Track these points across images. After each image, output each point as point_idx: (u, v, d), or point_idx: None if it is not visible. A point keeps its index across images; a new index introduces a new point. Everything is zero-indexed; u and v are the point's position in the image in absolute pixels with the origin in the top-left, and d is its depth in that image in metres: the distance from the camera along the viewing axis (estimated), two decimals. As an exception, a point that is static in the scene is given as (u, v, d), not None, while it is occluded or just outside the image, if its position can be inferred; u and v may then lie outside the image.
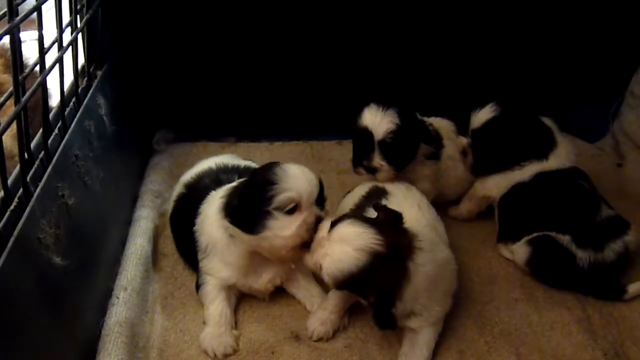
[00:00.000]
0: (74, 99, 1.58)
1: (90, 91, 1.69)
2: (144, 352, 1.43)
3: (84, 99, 1.63)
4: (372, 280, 1.25)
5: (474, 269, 1.72)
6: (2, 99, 1.06)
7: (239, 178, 1.59)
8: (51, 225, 1.21)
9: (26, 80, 1.17)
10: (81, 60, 1.70)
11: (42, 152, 1.31)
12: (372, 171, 1.66)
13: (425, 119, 1.83)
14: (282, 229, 1.36)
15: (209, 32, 2.13)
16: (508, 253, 1.75)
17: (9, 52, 1.10)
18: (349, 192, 1.77)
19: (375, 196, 1.61)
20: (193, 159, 2.12)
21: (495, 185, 1.76)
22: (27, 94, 1.16)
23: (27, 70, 1.18)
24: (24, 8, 1.16)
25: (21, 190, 1.15)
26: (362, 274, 1.24)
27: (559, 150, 1.70)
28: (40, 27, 1.26)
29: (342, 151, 2.24)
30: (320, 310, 1.49)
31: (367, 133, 1.62)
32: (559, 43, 2.21)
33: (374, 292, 1.28)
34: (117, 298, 1.48)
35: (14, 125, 1.13)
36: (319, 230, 1.35)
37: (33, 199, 1.17)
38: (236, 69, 2.22)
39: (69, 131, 1.46)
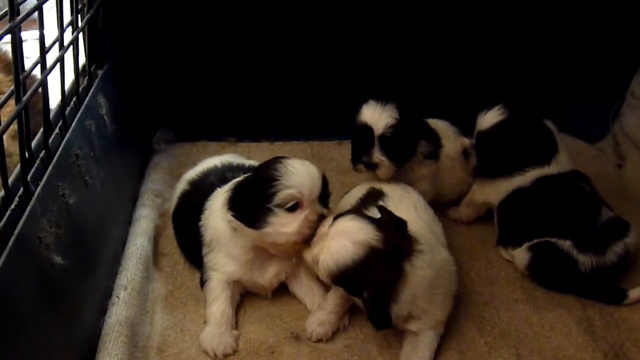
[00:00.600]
0: (74, 98, 1.58)
1: (91, 90, 1.69)
2: (144, 351, 1.43)
3: (85, 99, 1.63)
4: (366, 276, 1.26)
5: (474, 270, 1.72)
6: (3, 98, 1.06)
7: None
8: (51, 224, 1.21)
9: (26, 80, 1.17)
10: (82, 59, 1.70)
11: (43, 152, 1.30)
12: (372, 167, 1.64)
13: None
14: (284, 226, 1.37)
15: (210, 32, 2.14)
16: (508, 256, 1.75)
17: (7, 54, 1.10)
18: (347, 193, 1.77)
19: (372, 198, 1.61)
20: (193, 158, 2.13)
21: (495, 191, 1.75)
22: (28, 93, 1.16)
23: (27, 70, 1.18)
24: (25, 7, 1.16)
25: (22, 189, 1.15)
26: (357, 268, 1.25)
27: (560, 155, 1.69)
28: (41, 27, 1.26)
29: (342, 151, 2.24)
30: (319, 311, 1.49)
31: (366, 128, 1.62)
32: (560, 43, 2.21)
33: (368, 288, 1.27)
34: (117, 297, 1.48)
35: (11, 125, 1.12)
36: (322, 225, 1.35)
37: (34, 198, 1.17)
38: (236, 68, 2.22)
39: (70, 130, 1.46)
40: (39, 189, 1.21)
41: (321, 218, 1.38)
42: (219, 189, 1.56)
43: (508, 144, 1.67)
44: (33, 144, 1.27)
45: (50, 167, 1.29)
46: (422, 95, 2.00)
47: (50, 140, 1.35)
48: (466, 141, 1.76)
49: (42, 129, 1.34)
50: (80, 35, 1.60)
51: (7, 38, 1.07)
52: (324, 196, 1.42)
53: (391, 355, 1.44)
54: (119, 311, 1.44)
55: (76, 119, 1.52)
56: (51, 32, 1.35)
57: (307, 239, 1.37)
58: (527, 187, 1.68)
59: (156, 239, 1.78)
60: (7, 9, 1.05)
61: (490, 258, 1.78)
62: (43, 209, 1.19)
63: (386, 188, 1.64)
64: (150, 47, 2.14)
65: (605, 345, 1.48)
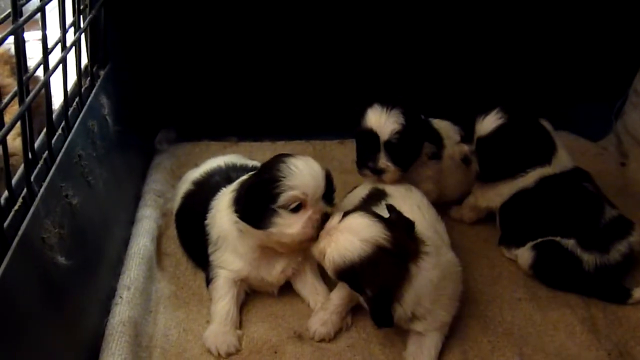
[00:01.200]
0: (77, 99, 1.58)
1: (93, 91, 1.69)
2: (147, 351, 1.43)
3: (87, 99, 1.63)
4: (371, 274, 1.26)
5: (476, 269, 1.72)
6: (7, 99, 1.07)
7: None
8: (55, 225, 1.21)
9: (29, 81, 1.17)
10: (84, 60, 1.70)
11: (46, 152, 1.31)
12: (378, 172, 1.64)
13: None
14: (288, 227, 1.38)
15: (211, 32, 2.14)
16: (511, 255, 1.75)
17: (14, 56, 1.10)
18: (349, 192, 1.77)
19: (375, 198, 1.61)
20: (195, 158, 2.13)
21: (497, 194, 1.74)
22: (31, 94, 1.16)
23: (30, 71, 1.18)
24: (28, 9, 1.16)
25: (25, 190, 1.16)
26: (362, 265, 1.25)
27: (559, 153, 1.69)
28: (43, 28, 1.27)
29: (344, 150, 2.24)
30: (322, 311, 1.49)
31: (372, 134, 1.61)
32: (562, 42, 2.21)
33: (372, 286, 1.27)
34: (121, 297, 1.48)
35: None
36: (330, 220, 1.36)
37: (37, 199, 1.18)
38: (238, 68, 2.22)
39: (73, 131, 1.46)
40: (42, 189, 1.21)
41: (325, 217, 1.38)
42: (224, 189, 1.56)
43: (509, 147, 1.66)
44: (36, 144, 1.28)
45: (53, 168, 1.30)
46: (425, 95, 2.00)
47: (53, 141, 1.35)
48: (465, 147, 1.75)
49: (44, 130, 1.34)
50: (82, 36, 1.61)
51: (10, 39, 1.07)
52: (329, 193, 1.43)
53: (394, 355, 1.44)
54: (122, 311, 1.44)
55: (79, 120, 1.52)
56: (53, 32, 1.35)
57: (312, 237, 1.38)
58: (530, 187, 1.67)
59: (159, 239, 1.79)
60: (10, 10, 1.05)
61: (493, 257, 1.78)
62: (46, 210, 1.20)
63: (389, 188, 1.64)
64: (152, 47, 2.14)
65: (609, 344, 1.48)
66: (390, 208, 1.39)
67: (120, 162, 1.81)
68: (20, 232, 1.08)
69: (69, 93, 1.50)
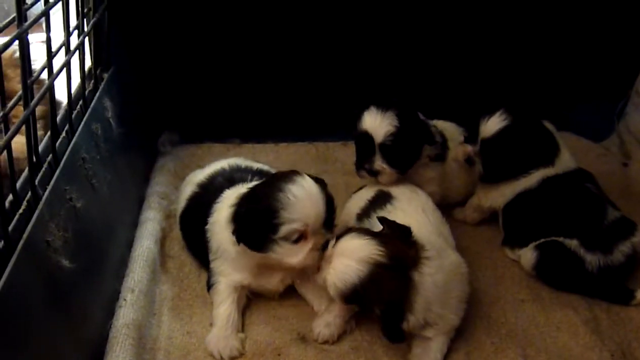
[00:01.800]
0: (80, 102, 1.58)
1: (97, 94, 1.69)
2: (151, 354, 1.43)
3: (91, 102, 1.64)
4: (375, 292, 1.26)
5: (479, 270, 1.72)
6: (11, 103, 1.07)
7: (251, 178, 1.60)
8: (59, 228, 1.22)
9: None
10: (88, 63, 1.71)
11: (50, 155, 1.31)
12: (374, 174, 1.66)
13: (429, 121, 1.83)
14: (289, 256, 1.38)
15: (214, 34, 2.14)
16: (514, 256, 1.75)
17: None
18: (355, 192, 1.77)
19: (380, 200, 1.61)
20: (198, 160, 2.14)
21: (501, 195, 1.75)
22: (36, 98, 1.17)
23: (35, 75, 1.19)
24: (32, 12, 1.16)
25: (30, 193, 1.16)
26: (364, 285, 1.25)
27: (562, 154, 1.69)
28: (48, 31, 1.27)
29: (347, 152, 2.23)
30: (326, 313, 1.49)
31: (367, 136, 1.63)
32: (564, 42, 2.20)
33: (379, 303, 1.28)
34: (125, 300, 1.49)
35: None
36: (328, 249, 1.35)
37: (42, 202, 1.18)
38: (241, 70, 2.22)
39: (77, 134, 1.47)
40: (46, 193, 1.21)
41: (326, 243, 1.37)
42: (227, 191, 1.56)
43: (513, 148, 1.66)
44: (40, 147, 1.28)
45: (57, 171, 1.30)
46: (428, 96, 2.00)
47: (57, 144, 1.35)
48: (468, 148, 1.75)
49: (49, 133, 1.35)
50: (86, 39, 1.61)
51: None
52: (329, 220, 1.41)
53: (397, 357, 1.44)
54: (126, 314, 1.45)
55: (83, 123, 1.52)
56: (57, 34, 1.36)
57: (313, 264, 1.38)
58: (533, 188, 1.67)
59: (162, 242, 1.79)
60: (15, 14, 1.06)
61: (496, 258, 1.78)
62: (51, 213, 1.20)
63: (394, 190, 1.64)
64: (155, 50, 2.15)
65: (612, 345, 1.48)
66: (382, 220, 1.38)
67: (123, 165, 1.82)
68: (24, 236, 1.08)
69: (72, 96, 1.51)
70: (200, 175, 1.76)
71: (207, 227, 1.54)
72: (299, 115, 2.30)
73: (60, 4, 1.36)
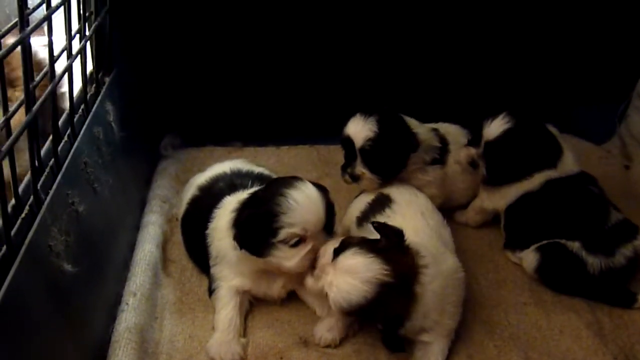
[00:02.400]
0: (82, 106, 1.59)
1: (99, 98, 1.69)
2: (153, 357, 1.43)
3: (93, 106, 1.64)
4: (380, 310, 1.26)
5: (481, 273, 1.72)
6: (13, 107, 1.07)
7: (252, 183, 1.61)
8: (61, 232, 1.22)
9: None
10: (89, 67, 1.71)
11: (52, 160, 1.31)
12: (356, 179, 1.67)
13: (432, 124, 1.83)
14: (288, 260, 1.39)
15: (216, 38, 2.14)
16: (516, 259, 1.75)
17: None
18: (357, 195, 1.77)
19: (380, 203, 1.61)
20: (200, 163, 2.14)
21: (503, 197, 1.74)
22: (38, 102, 1.17)
23: (37, 79, 1.19)
24: (34, 17, 1.17)
25: (32, 198, 1.16)
26: (370, 305, 1.24)
27: (565, 157, 1.70)
28: (50, 35, 1.27)
29: (348, 155, 2.24)
30: (329, 317, 1.49)
31: (349, 141, 1.65)
32: (566, 45, 2.20)
33: (382, 319, 1.29)
34: (127, 304, 1.49)
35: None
36: (321, 255, 1.35)
37: (44, 207, 1.18)
38: (243, 74, 2.22)
39: (79, 138, 1.47)
40: (48, 197, 1.22)
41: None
42: (228, 197, 1.56)
43: (517, 151, 1.66)
44: (42, 152, 1.28)
45: (59, 176, 1.30)
46: (431, 99, 2.00)
47: (59, 149, 1.35)
48: (472, 150, 1.75)
49: (50, 137, 1.35)
50: (88, 43, 1.61)
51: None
52: (329, 225, 1.42)
53: (400, 360, 1.44)
54: (128, 318, 1.45)
55: (84, 127, 1.52)
56: (59, 38, 1.36)
57: (310, 268, 1.39)
58: (535, 190, 1.67)
59: (164, 245, 1.79)
60: (17, 19, 1.06)
61: (498, 261, 1.77)
62: (53, 217, 1.20)
63: (394, 193, 1.63)
64: (156, 54, 2.15)
65: (615, 348, 1.48)
66: (378, 228, 1.35)
67: (125, 168, 1.82)
68: (27, 240, 1.09)
69: (74, 100, 1.51)
70: (201, 178, 1.76)
71: (207, 232, 1.55)
72: (300, 118, 2.30)
73: (62, 8, 1.36)
